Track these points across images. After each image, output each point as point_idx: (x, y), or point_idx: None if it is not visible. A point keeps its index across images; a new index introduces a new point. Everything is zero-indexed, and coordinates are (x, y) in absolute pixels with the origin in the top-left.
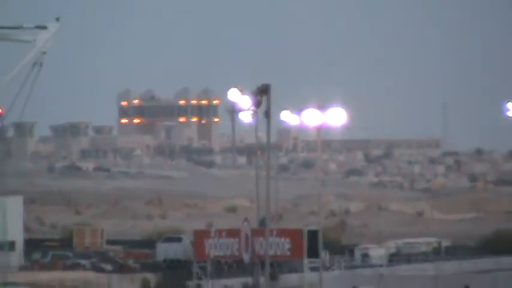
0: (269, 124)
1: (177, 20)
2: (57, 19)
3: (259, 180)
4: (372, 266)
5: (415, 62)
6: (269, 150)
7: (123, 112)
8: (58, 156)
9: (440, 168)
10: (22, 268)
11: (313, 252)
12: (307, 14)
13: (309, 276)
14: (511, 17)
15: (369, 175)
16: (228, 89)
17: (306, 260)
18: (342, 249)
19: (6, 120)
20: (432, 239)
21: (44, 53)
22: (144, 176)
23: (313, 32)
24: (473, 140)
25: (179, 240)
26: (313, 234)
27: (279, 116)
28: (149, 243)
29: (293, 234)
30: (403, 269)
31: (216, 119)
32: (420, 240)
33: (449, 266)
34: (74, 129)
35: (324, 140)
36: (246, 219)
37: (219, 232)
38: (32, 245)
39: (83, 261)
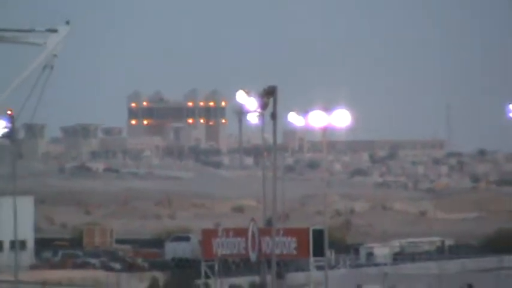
0: (275, 125)
1: (185, 23)
2: (68, 22)
3: (265, 181)
4: (376, 264)
5: (418, 62)
6: (275, 151)
7: (133, 114)
8: (68, 157)
9: (444, 169)
10: (33, 267)
11: (319, 251)
12: (311, 14)
13: (315, 274)
14: (511, 17)
15: (374, 175)
16: (236, 91)
17: (311, 259)
18: (347, 248)
19: (18, 122)
20: (436, 238)
21: (55, 55)
22: (153, 176)
23: (317, 33)
24: (476, 141)
25: (187, 239)
26: (318, 234)
27: (285, 118)
28: (158, 242)
29: (299, 234)
30: (407, 267)
31: (224, 121)
32: (424, 239)
33: (453, 265)
34: (84, 131)
35: (329, 141)
36: (253, 219)
37: (227, 231)
38: (42, 244)
39: (93, 260)
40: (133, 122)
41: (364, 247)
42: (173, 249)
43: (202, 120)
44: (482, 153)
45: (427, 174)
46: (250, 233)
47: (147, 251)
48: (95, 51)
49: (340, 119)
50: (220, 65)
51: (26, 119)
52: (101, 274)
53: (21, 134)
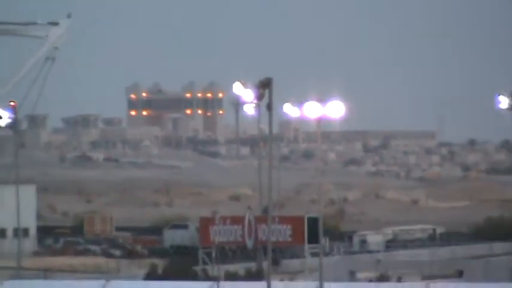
0: (271, 116)
1: (183, 16)
2: (69, 15)
3: (261, 170)
4: (369, 251)
5: (410, 55)
6: (271, 141)
7: (132, 105)
8: (69, 147)
9: (435, 158)
10: (35, 253)
11: (313, 239)
12: (306, 7)
13: (310, 261)
14: (502, 8)
15: (367, 165)
16: (232, 83)
17: (306, 246)
18: (341, 236)
19: (20, 113)
20: (427, 226)
21: (56, 48)
22: (152, 165)
23: (312, 26)
24: (467, 131)
25: (185, 227)
26: (313, 222)
27: (280, 109)
28: (157, 230)
29: (294, 222)
30: (400, 254)
31: (221, 112)
32: (416, 227)
33: (444, 252)
34: (84, 121)
35: (323, 132)
36: (249, 207)
37: (224, 219)
38: (44, 231)
39: (93, 247)
40: (132, 113)
41: (357, 234)
42: (172, 237)
43: (200, 111)
44: (472, 143)
45: (418, 164)
46: (246, 221)
47: (146, 238)
48: (95, 44)
49: (335, 110)
50: (218, 57)
51: (28, 110)
52: (101, 260)
53: (23, 125)
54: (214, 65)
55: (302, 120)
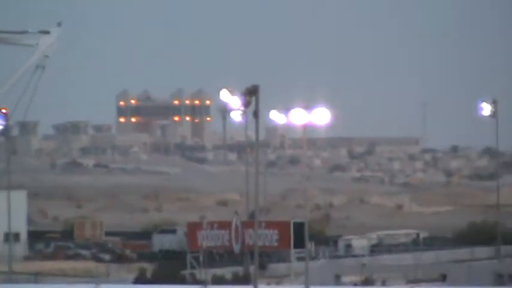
0: (257, 123)
1: (172, 24)
2: (59, 24)
3: (248, 176)
4: (354, 256)
5: (395, 63)
6: (258, 147)
7: (121, 112)
8: (60, 153)
9: (419, 164)
10: (26, 258)
11: (299, 243)
12: (293, 14)
13: (296, 265)
14: (488, 19)
15: (352, 171)
16: (220, 90)
17: (292, 251)
18: (326, 240)
19: (11, 120)
20: (411, 231)
21: (46, 56)
22: (141, 171)
23: (299, 34)
24: (450, 138)
25: (174, 232)
26: (299, 226)
27: (267, 115)
28: (146, 234)
29: (281, 226)
30: (384, 258)
31: (208, 118)
32: (400, 231)
33: (427, 256)
34: (74, 128)
35: (309, 138)
36: (236, 212)
37: (211, 224)
38: (35, 236)
39: (84, 252)
40: (121, 119)
41: (342, 239)
42: (160, 241)
43: (188, 118)
44: (455, 149)
45: (402, 170)
46: (233, 226)
47: (135, 243)
48: (85, 52)
49: (320, 116)
50: (205, 65)
51: (19, 117)
52: (91, 265)
53: (15, 131)
54: (201, 72)
55: (288, 127)
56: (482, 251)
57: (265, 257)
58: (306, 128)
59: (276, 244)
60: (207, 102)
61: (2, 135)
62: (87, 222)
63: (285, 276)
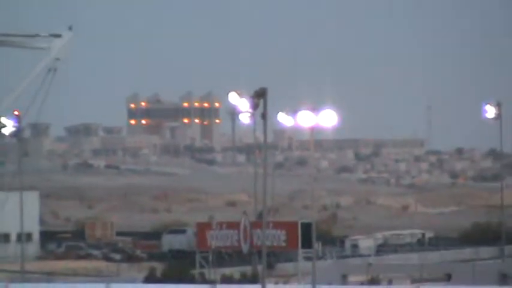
0: (265, 125)
1: (181, 29)
2: (70, 28)
3: (257, 177)
4: (361, 255)
5: (400, 66)
6: (266, 149)
7: (132, 114)
8: (71, 155)
9: (424, 166)
10: (38, 257)
11: (307, 243)
12: (301, 18)
13: (303, 265)
14: (492, 20)
15: (359, 172)
16: (229, 93)
17: (300, 250)
18: (333, 241)
19: (24, 122)
20: (417, 231)
21: (58, 59)
22: (151, 173)
23: (306, 37)
24: (455, 140)
25: (183, 232)
26: (306, 227)
27: (275, 118)
28: (156, 234)
29: (288, 227)
30: (390, 258)
31: (217, 121)
32: (405, 232)
33: (433, 256)
34: (86, 130)
35: (316, 140)
36: (245, 213)
37: (220, 224)
38: (47, 236)
39: (95, 252)
40: (132, 121)
41: (349, 239)
42: (170, 241)
43: (197, 120)
44: (460, 151)
45: (408, 171)
46: (242, 226)
47: (145, 243)
48: (97, 55)
49: (327, 119)
50: (215, 68)
51: (31, 119)
52: (102, 264)
53: (27, 133)
54: (211, 75)
55: (296, 129)
56: (486, 251)
57: (273, 257)
58: (313, 130)
59: (283, 244)
60: (216, 104)
61: (14, 137)
62: (98, 223)
63: (292, 276)
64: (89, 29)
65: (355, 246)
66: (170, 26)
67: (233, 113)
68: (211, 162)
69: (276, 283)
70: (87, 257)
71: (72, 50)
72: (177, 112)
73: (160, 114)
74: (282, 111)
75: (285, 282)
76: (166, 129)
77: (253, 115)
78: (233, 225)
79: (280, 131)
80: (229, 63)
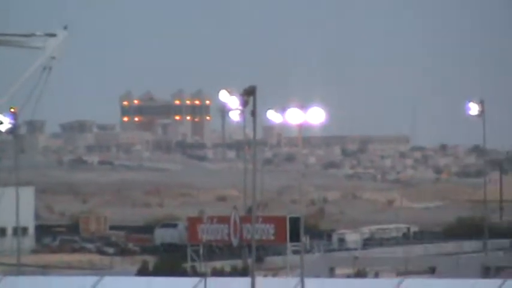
0: (255, 122)
1: (172, 27)
2: (65, 27)
3: (246, 173)
4: (347, 249)
5: (386, 64)
6: (255, 145)
7: (125, 111)
8: (66, 151)
9: (409, 162)
10: (34, 251)
11: (295, 237)
12: (291, 18)
13: (291, 258)
14: (476, 19)
15: (345, 168)
16: (219, 91)
17: (288, 244)
18: (320, 234)
19: (20, 119)
20: (402, 225)
21: (53, 58)
22: (144, 168)
23: (295, 36)
24: (439, 136)
25: (175, 226)
26: (295, 221)
27: (264, 115)
28: (148, 228)
29: (277, 221)
30: (376, 252)
31: (208, 118)
32: (391, 226)
33: (417, 249)
34: (80, 127)
35: (304, 137)
36: (235, 207)
37: (211, 219)
38: (42, 230)
39: (89, 245)
40: (125, 118)
41: (336, 233)
42: (162, 235)
43: (188, 117)
44: (444, 147)
45: (394, 167)
46: (232, 220)
47: (138, 237)
48: (90, 54)
49: (315, 116)
50: (205, 66)
51: (27, 116)
52: (96, 258)
53: (23, 130)
54: (202, 74)
55: (284, 126)
56: (469, 245)
57: (262, 250)
58: (302, 127)
59: (272, 238)
60: (207, 102)
61: (10, 134)
62: (92, 217)
63: (281, 269)
64: (83, 28)
65: (342, 240)
66: (162, 26)
67: (223, 111)
68: (202, 158)
69: (265, 276)
70: (81, 250)
71: (67, 49)
72: (169, 109)
73: (152, 111)
74: (271, 108)
75: (274, 275)
76: (158, 126)
77: (242, 112)
78: (223, 220)
79: (269, 128)
80: (220, 61)
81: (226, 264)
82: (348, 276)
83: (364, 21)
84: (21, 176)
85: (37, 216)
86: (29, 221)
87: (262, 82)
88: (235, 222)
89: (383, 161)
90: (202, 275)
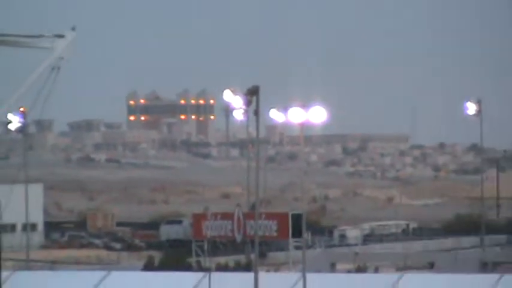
0: (258, 121)
1: (176, 28)
2: (73, 28)
3: (250, 170)
4: (348, 245)
5: (386, 63)
6: (258, 144)
7: (131, 110)
8: (74, 149)
9: (408, 160)
10: (43, 247)
11: (297, 233)
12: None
13: (294, 254)
14: (474, 20)
15: (346, 165)
16: (223, 91)
17: (290, 240)
18: (322, 231)
19: (29, 118)
20: (401, 222)
21: (61, 58)
22: (150, 166)
23: (298, 35)
24: (438, 135)
25: (180, 222)
26: (297, 218)
27: (267, 114)
28: (154, 225)
29: (280, 217)
30: (376, 248)
31: (212, 117)
32: (391, 222)
33: (416, 245)
34: (88, 125)
35: (306, 135)
36: (238, 204)
37: (215, 215)
38: (51, 226)
39: (96, 241)
40: (132, 117)
41: (337, 229)
42: (167, 231)
43: (193, 117)
44: (442, 146)
45: (393, 165)
46: (236, 217)
47: (144, 233)
48: (98, 54)
49: (317, 115)
50: (210, 67)
51: (36, 115)
52: (103, 253)
53: (32, 129)
54: (206, 74)
55: (287, 125)
56: (467, 241)
57: (265, 246)
58: (303, 125)
59: (275, 234)
60: (211, 101)
61: (20, 132)
62: (99, 214)
63: (283, 264)
64: (91, 29)
65: (342, 236)
66: (167, 27)
67: (227, 110)
68: (206, 156)
69: (268, 271)
70: (89, 246)
71: (75, 50)
72: (174, 109)
73: (158, 110)
74: (273, 108)
75: (276, 270)
76: (164, 125)
77: (246, 112)
78: (227, 216)
79: (272, 127)
80: (224, 62)
81: (230, 260)
82: (349, 271)
83: (364, 21)
84: (30, 173)
85: (46, 212)
86: (38, 217)
87: (264, 82)
88: (238, 218)
89: (383, 159)
90: (207, 270)
